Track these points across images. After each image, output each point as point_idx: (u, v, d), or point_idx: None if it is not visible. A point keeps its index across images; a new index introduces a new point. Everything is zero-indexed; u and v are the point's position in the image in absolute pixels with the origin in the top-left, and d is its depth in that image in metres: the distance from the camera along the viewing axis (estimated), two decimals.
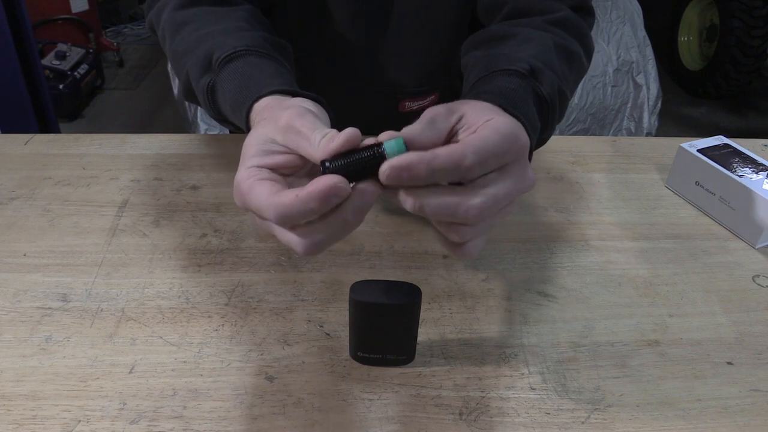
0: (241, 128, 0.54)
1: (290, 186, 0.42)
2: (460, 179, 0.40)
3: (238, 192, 0.42)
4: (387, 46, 0.77)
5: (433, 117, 0.42)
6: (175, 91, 2.32)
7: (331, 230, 0.40)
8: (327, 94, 0.67)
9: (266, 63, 0.54)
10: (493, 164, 0.40)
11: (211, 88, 0.55)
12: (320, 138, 0.40)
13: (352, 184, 0.39)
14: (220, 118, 0.57)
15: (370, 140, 0.41)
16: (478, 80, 0.54)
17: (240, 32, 0.57)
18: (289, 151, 0.43)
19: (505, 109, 0.47)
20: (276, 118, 0.43)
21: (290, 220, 0.39)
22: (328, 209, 0.39)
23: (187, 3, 0.63)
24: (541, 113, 0.53)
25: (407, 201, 0.40)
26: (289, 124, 0.42)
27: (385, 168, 0.38)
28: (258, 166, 0.42)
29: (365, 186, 0.39)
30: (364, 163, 0.39)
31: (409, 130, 0.41)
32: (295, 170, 0.43)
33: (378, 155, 0.39)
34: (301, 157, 0.43)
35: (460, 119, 0.43)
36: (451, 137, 0.43)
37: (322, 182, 0.38)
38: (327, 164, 0.39)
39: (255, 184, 0.41)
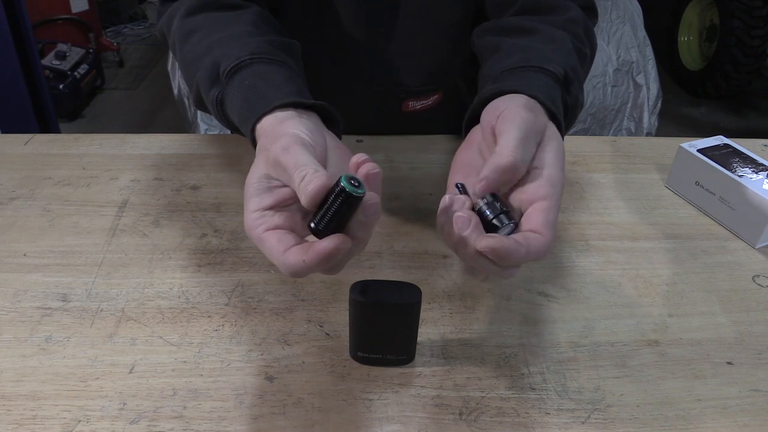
0: None
1: (299, 212, 0.45)
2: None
3: (249, 236, 0.44)
4: (390, 46, 0.77)
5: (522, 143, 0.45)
6: (175, 91, 2.32)
7: (344, 261, 0.44)
8: (330, 94, 0.67)
9: (273, 70, 0.54)
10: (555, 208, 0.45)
11: (220, 101, 0.55)
12: (299, 182, 0.42)
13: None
14: (233, 128, 0.57)
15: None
16: (515, 68, 0.56)
17: (246, 38, 0.57)
18: (284, 185, 0.45)
19: (550, 110, 0.50)
20: (267, 151, 0.45)
21: (301, 276, 0.42)
22: (334, 263, 0.42)
23: (196, 9, 0.63)
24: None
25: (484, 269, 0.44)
26: (276, 161, 0.44)
27: (482, 245, 0.42)
28: (261, 210, 0.44)
29: (368, 204, 0.42)
30: (342, 212, 0.41)
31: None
32: (296, 200, 0.44)
33: (346, 197, 0.40)
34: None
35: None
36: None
37: (323, 247, 0.40)
38: (313, 226, 0.42)
39: (264, 238, 0.43)
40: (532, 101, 0.50)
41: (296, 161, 0.43)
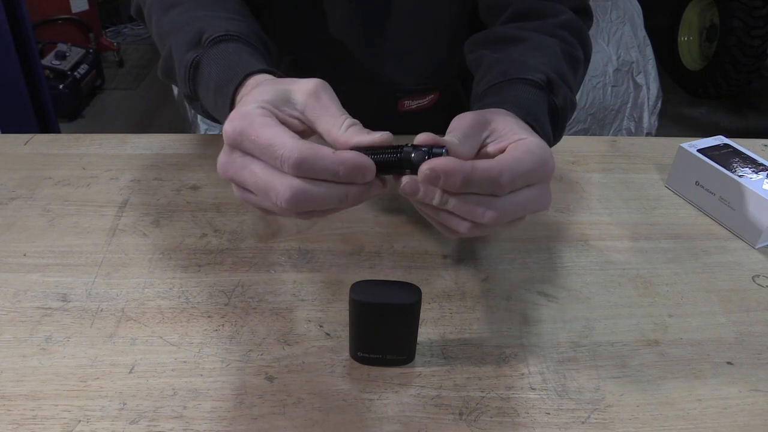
0: (210, 113, 0.54)
1: None
2: (488, 194, 0.42)
3: (241, 122, 0.41)
4: (386, 45, 0.77)
5: (469, 129, 0.45)
6: (175, 91, 2.32)
7: (327, 196, 0.41)
8: None
9: (257, 54, 0.53)
10: (521, 185, 0.43)
11: (196, 65, 0.53)
12: (350, 124, 0.41)
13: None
14: (194, 97, 0.56)
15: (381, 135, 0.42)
16: (495, 85, 0.56)
17: (232, 21, 0.57)
18: (302, 118, 0.43)
19: (529, 124, 0.50)
20: (299, 82, 0.44)
21: (308, 169, 0.39)
22: (344, 181, 0.40)
23: None
24: (553, 123, 0.55)
25: (437, 195, 0.42)
26: (318, 93, 0.42)
27: (424, 168, 0.40)
28: (271, 111, 0.42)
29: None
30: (390, 162, 0.41)
31: (448, 142, 0.43)
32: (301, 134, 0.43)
33: (402, 158, 0.41)
34: (310, 131, 0.43)
35: (490, 133, 0.46)
36: (480, 148, 0.46)
37: (362, 158, 0.40)
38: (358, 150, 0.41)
39: (274, 124, 0.41)
40: (507, 112, 0.50)
41: (340, 107, 0.43)
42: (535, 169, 0.43)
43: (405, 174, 0.42)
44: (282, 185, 0.40)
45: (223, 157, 0.43)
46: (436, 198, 0.42)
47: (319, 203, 0.41)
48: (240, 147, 0.42)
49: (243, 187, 0.43)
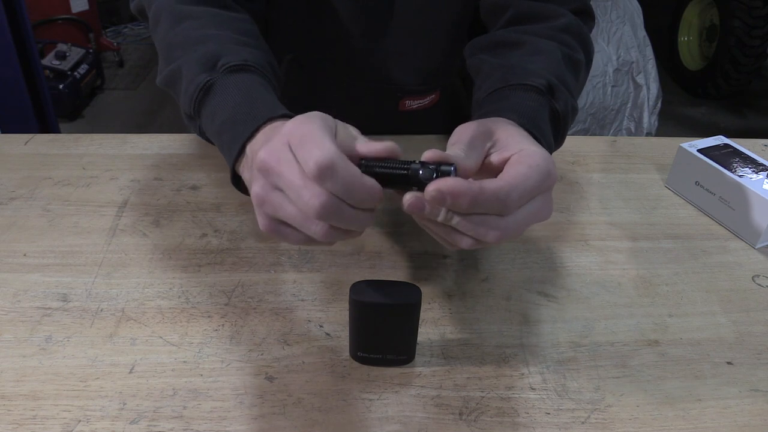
0: (206, 136, 0.55)
1: None
2: (496, 213, 0.43)
3: (302, 125, 0.41)
4: (388, 45, 0.77)
5: (473, 140, 0.45)
6: None
7: (353, 216, 0.42)
8: (327, 91, 0.67)
9: (270, 90, 0.54)
10: (527, 200, 0.44)
11: (207, 89, 0.54)
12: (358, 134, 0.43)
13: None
14: (192, 116, 0.56)
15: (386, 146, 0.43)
16: (495, 91, 0.57)
17: (248, 48, 0.57)
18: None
19: (531, 132, 0.50)
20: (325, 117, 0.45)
21: (330, 176, 0.40)
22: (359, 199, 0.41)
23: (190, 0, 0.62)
24: (554, 129, 0.56)
25: (441, 213, 0.42)
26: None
27: (431, 189, 0.41)
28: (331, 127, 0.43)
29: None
30: (397, 177, 0.42)
31: (454, 155, 0.44)
32: None
33: (410, 174, 0.42)
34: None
35: (493, 144, 0.47)
36: (483, 159, 0.46)
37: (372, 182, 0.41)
38: (363, 162, 0.42)
39: (327, 132, 0.41)
40: (508, 121, 0.51)
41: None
42: (541, 183, 0.44)
43: (411, 190, 0.42)
44: (314, 192, 0.40)
45: (266, 148, 0.43)
46: (441, 215, 0.42)
47: (344, 220, 0.41)
48: (290, 145, 0.42)
49: (275, 193, 0.43)
